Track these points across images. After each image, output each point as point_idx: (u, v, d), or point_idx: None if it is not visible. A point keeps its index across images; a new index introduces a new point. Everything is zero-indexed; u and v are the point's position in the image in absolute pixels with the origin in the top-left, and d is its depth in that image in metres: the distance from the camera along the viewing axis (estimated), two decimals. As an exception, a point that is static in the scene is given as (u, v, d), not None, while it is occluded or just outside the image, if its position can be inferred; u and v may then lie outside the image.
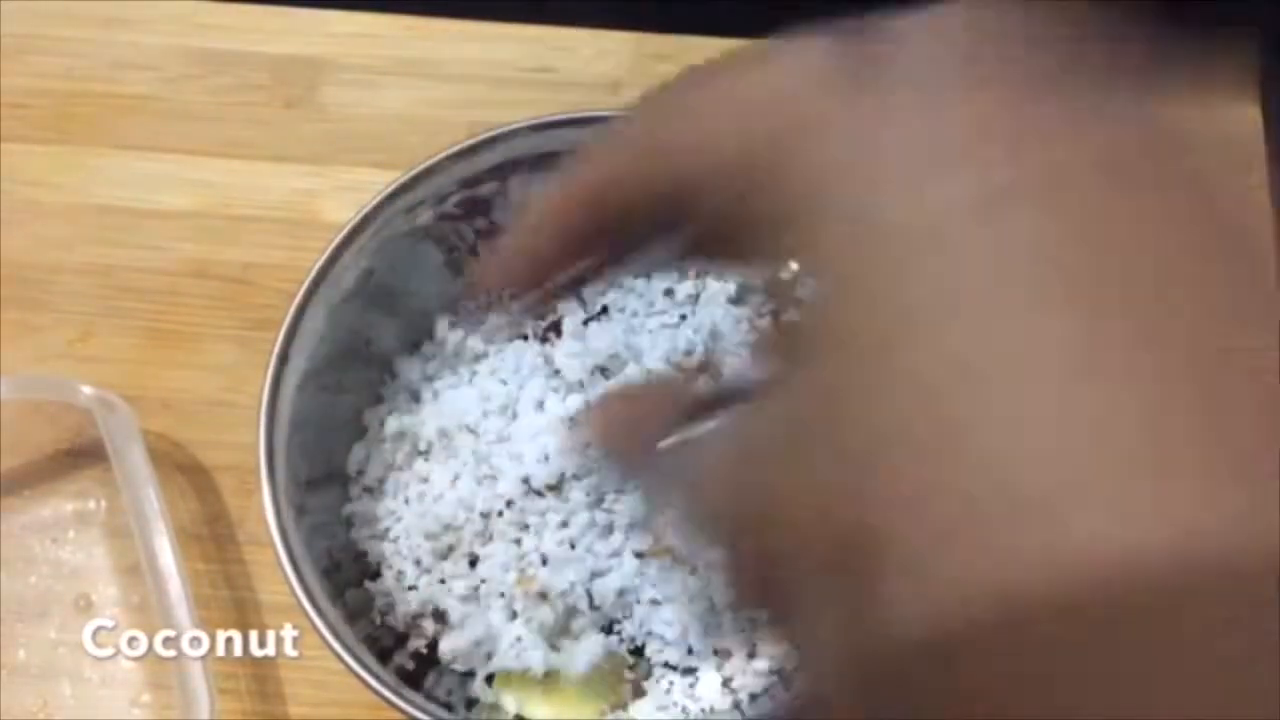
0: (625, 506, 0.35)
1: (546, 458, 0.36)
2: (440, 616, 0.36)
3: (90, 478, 0.41)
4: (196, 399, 0.43)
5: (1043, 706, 0.12)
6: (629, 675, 0.36)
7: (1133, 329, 0.12)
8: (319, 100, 0.49)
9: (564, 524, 0.35)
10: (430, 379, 0.40)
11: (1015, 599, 0.12)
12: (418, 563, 0.37)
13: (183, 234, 0.46)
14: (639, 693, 0.36)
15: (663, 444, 0.18)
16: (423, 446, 0.38)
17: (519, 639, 0.35)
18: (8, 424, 0.40)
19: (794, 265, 0.16)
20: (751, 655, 0.36)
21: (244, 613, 0.40)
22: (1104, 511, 0.12)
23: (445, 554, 0.37)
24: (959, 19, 0.15)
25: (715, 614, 0.36)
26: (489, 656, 0.36)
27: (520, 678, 0.35)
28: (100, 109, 0.49)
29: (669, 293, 0.41)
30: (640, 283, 0.41)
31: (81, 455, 0.41)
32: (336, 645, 0.31)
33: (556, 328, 0.40)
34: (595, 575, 0.35)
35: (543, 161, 0.39)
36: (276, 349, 0.35)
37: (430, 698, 0.35)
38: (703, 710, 0.35)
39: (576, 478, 0.36)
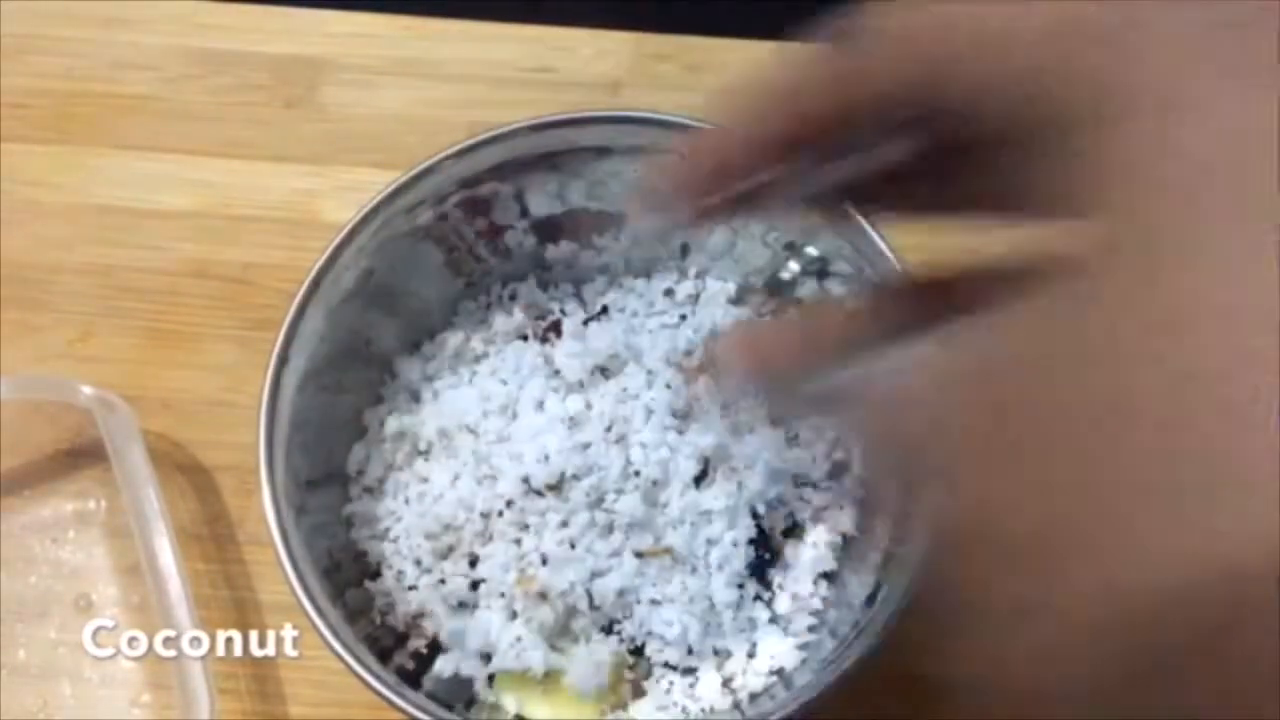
0: (625, 506, 0.35)
1: (546, 458, 0.36)
2: (440, 616, 0.36)
3: (90, 478, 0.41)
4: (196, 399, 0.43)
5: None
6: (629, 675, 0.36)
7: None
8: (319, 100, 0.49)
9: (564, 524, 0.35)
10: (430, 379, 0.40)
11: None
12: (418, 563, 0.37)
13: (183, 234, 0.46)
14: (639, 693, 0.36)
15: (847, 371, 0.18)
16: (423, 446, 0.38)
17: (519, 639, 0.35)
18: (8, 424, 0.40)
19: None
20: (751, 655, 0.36)
21: (244, 613, 0.40)
22: None
23: (445, 554, 0.37)
24: None
25: (715, 614, 0.36)
26: (489, 657, 0.36)
27: (520, 678, 0.35)
28: (100, 109, 0.49)
29: (669, 293, 0.41)
30: (640, 283, 0.42)
31: (81, 455, 0.41)
32: (336, 645, 0.31)
33: (556, 328, 0.40)
34: (595, 575, 0.35)
35: (542, 161, 0.39)
36: (276, 349, 0.35)
37: (430, 697, 0.35)
38: (703, 710, 0.35)
39: (576, 478, 0.36)
